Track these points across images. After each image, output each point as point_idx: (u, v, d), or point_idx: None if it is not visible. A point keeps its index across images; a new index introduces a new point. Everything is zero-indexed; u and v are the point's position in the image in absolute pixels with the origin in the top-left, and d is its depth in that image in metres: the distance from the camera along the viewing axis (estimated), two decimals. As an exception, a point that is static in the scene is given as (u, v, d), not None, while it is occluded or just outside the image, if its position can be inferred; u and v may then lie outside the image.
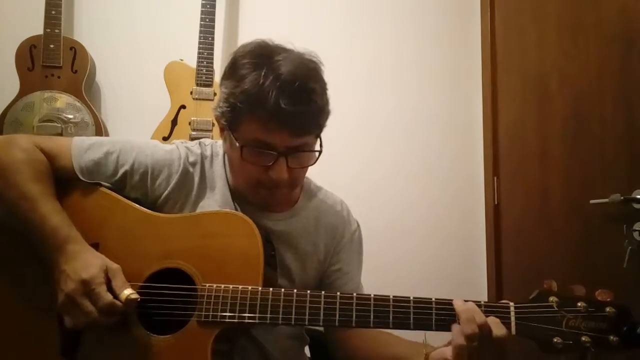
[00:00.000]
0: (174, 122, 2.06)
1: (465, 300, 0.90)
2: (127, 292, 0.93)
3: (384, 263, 2.14)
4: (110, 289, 0.94)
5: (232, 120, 1.01)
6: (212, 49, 2.07)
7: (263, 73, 0.96)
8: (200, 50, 2.07)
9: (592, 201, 1.62)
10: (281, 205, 1.15)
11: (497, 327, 0.86)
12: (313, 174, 1.15)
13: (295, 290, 0.95)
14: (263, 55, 1.00)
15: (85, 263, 0.94)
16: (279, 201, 1.12)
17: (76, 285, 0.92)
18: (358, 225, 1.25)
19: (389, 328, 0.91)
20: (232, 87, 0.99)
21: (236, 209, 1.10)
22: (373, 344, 1.09)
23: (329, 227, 1.19)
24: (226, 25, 2.27)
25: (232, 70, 1.02)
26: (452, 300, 0.91)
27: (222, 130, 1.08)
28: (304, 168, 1.07)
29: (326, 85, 1.04)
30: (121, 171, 1.08)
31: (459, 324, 0.87)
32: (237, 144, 1.00)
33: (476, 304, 0.89)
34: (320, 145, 1.05)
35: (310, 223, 1.17)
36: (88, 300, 0.92)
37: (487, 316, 0.87)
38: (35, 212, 0.97)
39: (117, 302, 0.93)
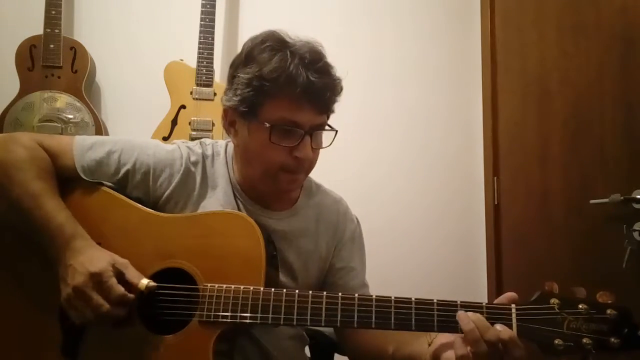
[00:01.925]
0: (174, 122, 2.06)
1: (469, 305, 0.89)
2: (145, 282, 0.95)
3: (383, 263, 2.13)
4: (121, 282, 0.94)
5: (254, 104, 1.02)
6: (212, 49, 2.07)
7: (288, 54, 0.99)
8: (200, 50, 2.07)
9: (592, 201, 1.63)
10: (282, 204, 1.15)
11: (515, 347, 0.83)
12: (313, 172, 1.15)
13: (297, 291, 0.95)
14: (279, 40, 1.03)
15: (92, 257, 0.95)
16: (294, 189, 1.13)
17: (85, 279, 0.92)
18: (358, 222, 1.26)
19: (390, 329, 0.91)
20: (256, 71, 1.00)
21: (238, 209, 1.10)
22: (382, 335, 1.07)
23: (329, 224, 1.19)
24: (226, 25, 2.27)
25: (251, 56, 1.02)
26: (455, 301, 0.90)
27: (233, 123, 1.08)
28: (319, 150, 1.09)
29: None
30: (123, 170, 1.08)
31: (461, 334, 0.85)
32: (267, 125, 1.00)
33: (478, 306, 0.89)
34: (332, 128, 1.08)
35: (310, 221, 1.17)
36: (98, 293, 0.92)
37: (488, 319, 0.86)
38: (40, 210, 0.98)
39: (129, 294, 0.93)
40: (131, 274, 0.96)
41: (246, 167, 1.11)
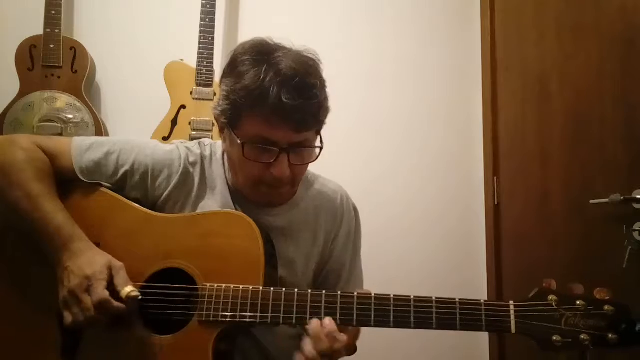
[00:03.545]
0: (174, 122, 2.06)
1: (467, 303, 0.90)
2: (128, 290, 0.93)
3: (383, 263, 2.14)
4: (112, 286, 0.94)
5: (232, 117, 1.01)
6: (212, 49, 2.07)
7: (263, 69, 0.96)
8: (200, 50, 2.07)
9: (592, 201, 1.63)
10: (280, 200, 1.14)
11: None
12: (313, 171, 1.15)
13: (296, 290, 0.95)
14: (262, 52, 1.00)
15: (90, 260, 0.95)
16: (279, 200, 1.12)
17: (80, 281, 0.92)
18: (356, 211, 1.25)
19: (389, 327, 0.92)
20: (232, 84, 0.99)
21: (236, 209, 1.10)
22: None
23: (328, 215, 1.19)
24: (226, 25, 2.27)
25: (232, 68, 1.02)
26: (453, 299, 0.91)
27: (221, 129, 1.08)
28: (305, 165, 1.07)
29: (325, 82, 1.04)
30: (121, 171, 1.08)
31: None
32: (239, 141, 1.00)
33: (476, 303, 0.90)
34: (321, 142, 1.05)
35: (310, 213, 1.17)
36: (89, 296, 0.92)
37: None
38: (39, 211, 0.98)
39: (112, 300, 0.92)
40: (119, 280, 0.95)
41: (233, 175, 1.12)
